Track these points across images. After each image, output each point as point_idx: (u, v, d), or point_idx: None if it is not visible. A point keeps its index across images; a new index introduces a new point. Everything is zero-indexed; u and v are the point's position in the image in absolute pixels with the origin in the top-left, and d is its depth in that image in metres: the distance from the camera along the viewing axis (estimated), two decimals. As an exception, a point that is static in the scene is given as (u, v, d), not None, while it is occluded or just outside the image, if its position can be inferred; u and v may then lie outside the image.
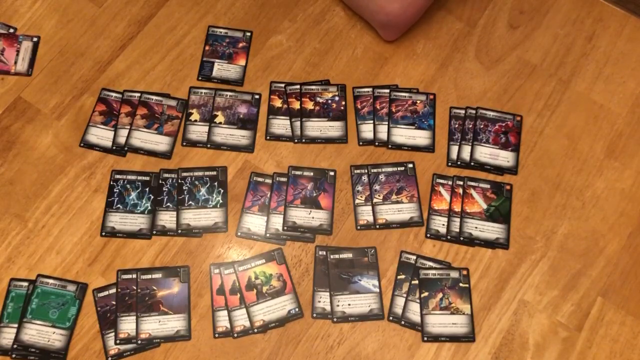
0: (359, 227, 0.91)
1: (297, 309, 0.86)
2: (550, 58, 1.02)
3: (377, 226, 0.91)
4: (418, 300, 0.87)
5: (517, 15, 1.05)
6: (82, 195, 0.93)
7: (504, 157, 0.95)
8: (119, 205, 0.91)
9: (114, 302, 0.86)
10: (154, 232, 0.90)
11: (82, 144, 0.96)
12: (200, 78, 1.01)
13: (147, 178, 0.93)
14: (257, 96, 0.99)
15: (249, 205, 0.92)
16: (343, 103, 0.99)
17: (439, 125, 0.98)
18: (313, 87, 1.00)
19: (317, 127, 0.97)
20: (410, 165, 0.95)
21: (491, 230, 0.91)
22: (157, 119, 0.97)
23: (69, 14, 1.05)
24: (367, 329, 0.86)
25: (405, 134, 0.97)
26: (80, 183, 0.94)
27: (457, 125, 0.97)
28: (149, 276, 0.87)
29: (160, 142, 0.96)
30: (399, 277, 0.88)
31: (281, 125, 0.98)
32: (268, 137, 0.97)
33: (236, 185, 0.94)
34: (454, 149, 0.96)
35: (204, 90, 0.99)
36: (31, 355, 0.83)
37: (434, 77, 1.01)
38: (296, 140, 0.97)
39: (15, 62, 1.01)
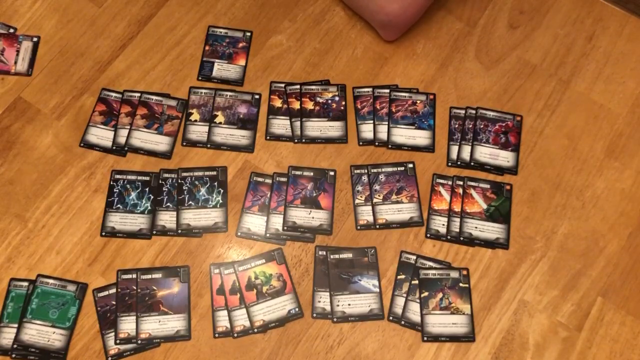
0: (359, 227, 0.91)
1: (297, 309, 0.86)
2: (550, 58, 1.02)
3: (377, 226, 0.91)
4: (418, 300, 0.87)
5: (517, 15, 1.05)
6: (82, 195, 0.93)
7: (504, 157, 0.95)
8: (119, 205, 0.91)
9: (114, 302, 0.86)
10: (154, 232, 0.90)
11: (82, 144, 0.96)
12: (200, 78, 1.01)
13: (147, 178, 0.93)
14: (257, 96, 0.99)
15: (249, 205, 0.92)
16: (343, 103, 0.99)
17: (439, 125, 0.98)
18: (313, 87, 1.00)
19: (317, 127, 0.97)
20: (410, 165, 0.95)
21: (491, 230, 0.91)
22: (157, 119, 0.97)
23: (69, 14, 1.05)
24: (367, 329, 0.86)
25: (405, 134, 0.97)
26: (80, 183, 0.94)
27: (457, 125, 0.97)
28: (149, 276, 0.87)
29: (160, 142, 0.96)
30: (399, 277, 0.88)
31: (281, 125, 0.98)
32: (268, 137, 0.97)
33: (236, 185, 0.94)
34: (454, 149, 0.96)
35: (204, 90, 0.99)
36: (31, 355, 0.83)
37: (434, 77, 1.01)
38: (296, 140, 0.97)
39: (15, 62, 1.01)
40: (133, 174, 0.94)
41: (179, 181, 0.93)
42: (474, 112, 0.98)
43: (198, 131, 0.97)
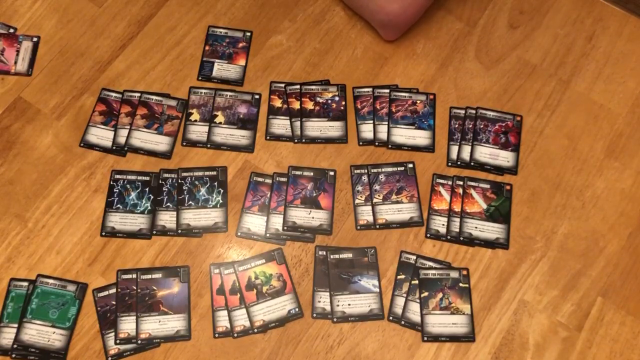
0: (359, 227, 0.91)
1: (297, 309, 0.86)
2: (550, 58, 1.02)
3: (377, 226, 0.91)
4: (418, 300, 0.87)
5: (517, 15, 1.05)
6: (82, 195, 0.93)
7: (504, 157, 0.95)
8: (119, 205, 0.91)
9: (114, 302, 0.86)
10: (154, 232, 0.90)
11: (82, 144, 0.96)
12: (200, 78, 1.01)
13: (147, 178, 0.93)
14: (257, 96, 0.99)
15: (249, 205, 0.92)
16: (343, 103, 0.99)
17: (439, 125, 0.98)
18: (313, 87, 1.00)
19: (317, 127, 0.97)
20: (410, 165, 0.95)
21: (491, 230, 0.91)
22: (157, 119, 0.97)
23: (69, 14, 1.05)
24: (367, 329, 0.86)
25: (405, 134, 0.97)
26: (80, 183, 0.94)
27: (457, 125, 0.97)
28: (149, 276, 0.87)
29: (160, 142, 0.96)
30: (399, 277, 0.88)
31: (281, 125, 0.98)
32: (268, 137, 0.97)
33: (236, 185, 0.94)
34: (454, 149, 0.96)
35: (204, 90, 0.99)
36: (31, 355, 0.83)
37: (434, 77, 1.01)
38: (296, 140, 0.97)
39: (15, 62, 1.01)
40: (133, 174, 0.94)
41: (179, 181, 0.93)
42: (474, 112, 0.98)
43: (198, 131, 0.97)
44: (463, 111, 0.98)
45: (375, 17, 0.98)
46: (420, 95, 0.99)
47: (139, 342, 0.84)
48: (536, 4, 1.06)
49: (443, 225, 0.91)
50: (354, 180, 0.94)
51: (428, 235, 0.91)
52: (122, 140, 0.96)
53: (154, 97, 0.99)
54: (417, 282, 0.88)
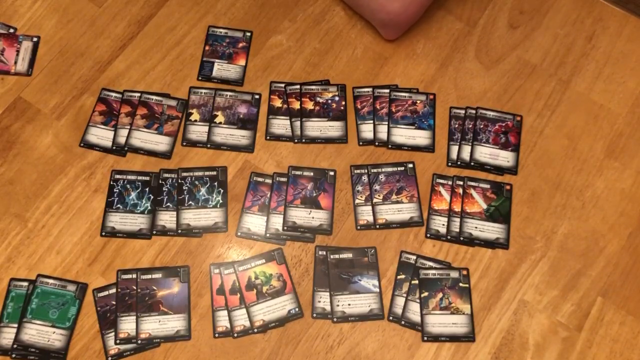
0: (359, 227, 0.91)
1: (297, 309, 0.86)
2: (550, 58, 1.02)
3: (377, 226, 0.91)
4: (418, 300, 0.87)
5: (517, 15, 1.05)
6: (82, 195, 0.93)
7: (504, 157, 0.95)
8: (119, 205, 0.91)
9: (114, 302, 0.86)
10: (154, 232, 0.90)
11: (82, 144, 0.96)
12: (200, 78, 1.01)
13: (147, 178, 0.93)
14: (257, 96, 0.99)
15: (249, 205, 0.92)
16: (343, 103, 0.99)
17: (439, 125, 0.98)
18: (313, 87, 1.00)
19: (317, 127, 0.97)
20: (410, 165, 0.95)
21: (491, 230, 0.91)
22: (157, 119, 0.97)
23: (69, 14, 1.05)
24: (367, 329, 0.86)
25: (405, 134, 0.97)
26: (80, 183, 0.94)
27: (457, 125, 0.97)
28: (149, 276, 0.87)
29: (160, 142, 0.96)
30: (399, 277, 0.88)
31: (281, 125, 0.98)
32: (268, 137, 0.97)
33: (236, 185, 0.94)
34: (454, 149, 0.96)
35: (204, 90, 0.99)
36: (31, 355, 0.83)
37: (434, 77, 1.01)
38: (296, 140, 0.97)
39: (15, 62, 1.01)
40: (133, 174, 0.94)
41: (179, 181, 0.93)
42: (474, 112, 0.98)
43: (198, 131, 0.97)
44: (463, 111, 0.98)
45: (376, 16, 0.98)
46: (420, 95, 0.99)
47: (139, 342, 0.84)
48: (536, 4, 1.06)
49: (443, 225, 0.91)
50: (354, 180, 0.94)
51: (428, 235, 0.91)
52: (122, 140, 0.96)
53: (154, 97, 0.99)
54: (417, 282, 0.88)
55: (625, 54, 1.02)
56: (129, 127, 0.97)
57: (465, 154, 0.95)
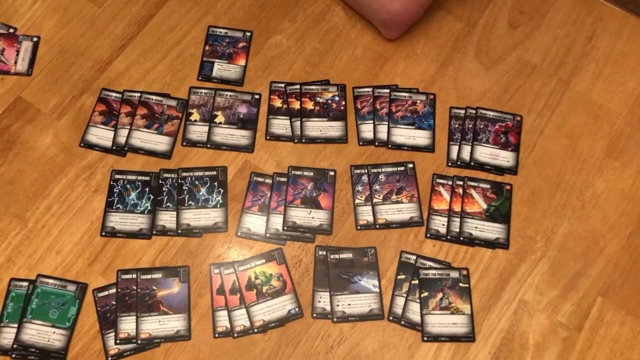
0: (359, 227, 0.91)
1: (297, 309, 0.86)
2: (550, 58, 1.02)
3: (377, 226, 0.91)
4: (418, 300, 0.87)
5: (517, 15, 1.05)
6: (82, 195, 0.93)
7: (504, 157, 0.95)
8: (119, 205, 0.91)
9: (114, 302, 0.86)
10: (154, 232, 0.90)
11: (82, 144, 0.96)
12: (200, 78, 1.01)
13: (147, 178, 0.93)
14: (257, 96, 0.99)
15: (249, 205, 0.92)
16: (343, 103, 0.99)
17: (439, 125, 0.98)
18: (313, 87, 1.00)
19: (317, 127, 0.97)
20: (410, 165, 0.95)
21: (491, 230, 0.91)
22: (157, 119, 0.97)
23: (69, 14, 1.05)
24: (367, 329, 0.86)
25: (405, 134, 0.97)
26: (80, 183, 0.94)
27: (457, 125, 0.97)
28: (149, 276, 0.87)
29: (160, 142, 0.96)
30: (399, 277, 0.88)
31: (281, 125, 0.98)
32: (268, 137, 0.97)
33: (236, 185, 0.94)
34: (454, 149, 0.96)
35: (204, 90, 0.99)
36: (31, 355, 0.83)
37: (434, 77, 1.01)
38: (296, 140, 0.97)
39: (15, 62, 1.01)
40: (133, 174, 0.94)
41: (179, 181, 0.93)
42: (474, 112, 0.98)
43: (198, 131, 0.97)
44: (463, 111, 0.98)
45: (377, 16, 0.98)
46: (420, 95, 0.99)
47: (139, 342, 0.84)
48: (536, 4, 1.06)
49: (443, 225, 0.91)
50: (354, 180, 0.94)
51: (428, 235, 0.91)
52: (122, 140, 0.96)
53: (154, 97, 0.99)
54: (417, 282, 0.88)
55: (625, 54, 1.02)
56: (129, 127, 0.97)
57: (465, 154, 0.95)
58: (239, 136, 0.97)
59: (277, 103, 0.99)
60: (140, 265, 0.89)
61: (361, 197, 0.93)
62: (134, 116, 0.97)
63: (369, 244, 0.90)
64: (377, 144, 0.96)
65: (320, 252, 0.89)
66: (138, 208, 0.91)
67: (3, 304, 0.86)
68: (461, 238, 0.90)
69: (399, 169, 0.94)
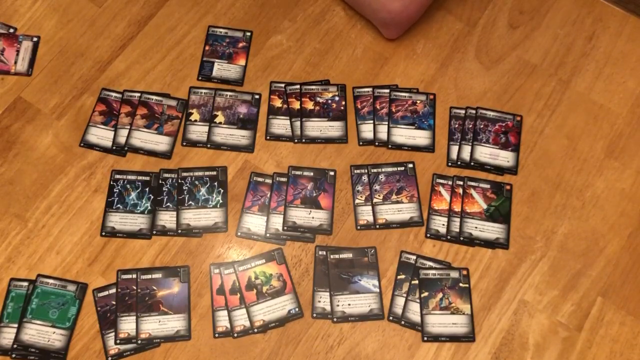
0: (359, 227, 0.91)
1: (297, 309, 0.86)
2: (550, 58, 1.02)
3: (377, 226, 0.91)
4: (418, 300, 0.87)
5: (517, 15, 1.05)
6: (82, 195, 0.93)
7: (504, 157, 0.95)
8: (119, 205, 0.91)
9: (114, 302, 0.86)
10: (154, 232, 0.90)
11: (82, 144, 0.96)
12: (200, 78, 1.01)
13: (147, 178, 0.93)
14: (257, 96, 0.99)
15: (249, 205, 0.92)
16: (343, 103, 0.99)
17: (439, 125, 0.98)
18: (313, 87, 1.00)
19: (317, 127, 0.97)
20: (410, 165, 0.95)
21: (491, 230, 0.91)
22: (157, 119, 0.97)
23: (69, 14, 1.05)
24: (367, 329, 0.86)
25: (405, 134, 0.97)
26: (80, 183, 0.94)
27: (457, 125, 0.97)
28: (149, 276, 0.87)
29: (160, 142, 0.96)
30: (399, 277, 0.88)
31: (281, 125, 0.98)
32: (268, 137, 0.97)
33: (236, 185, 0.94)
34: (454, 149, 0.96)
35: (204, 90, 0.99)
36: (31, 355, 0.83)
37: (434, 77, 1.01)
38: (296, 140, 0.97)
39: (15, 62, 1.01)
40: (133, 174, 0.94)
41: (179, 181, 0.93)
42: (474, 112, 0.98)
43: (198, 131, 0.97)
44: (463, 111, 0.98)
45: (377, 16, 0.98)
46: (420, 95, 0.99)
47: (139, 342, 0.84)
48: (536, 4, 1.06)
49: (443, 225, 0.91)
50: (354, 180, 0.94)
51: (428, 235, 0.91)
52: (122, 140, 0.96)
53: (154, 97, 0.99)
54: (417, 282, 0.88)
55: (625, 54, 1.02)
56: (129, 127, 0.97)
57: (465, 154, 0.95)
58: (239, 136, 0.97)
59: (277, 103, 0.99)
60: (140, 265, 0.89)
61: (361, 197, 0.93)
62: (134, 116, 0.97)
63: (369, 244, 0.90)
64: (377, 144, 0.96)
65: (320, 252, 0.89)
66: (138, 208, 0.91)
67: (3, 304, 0.86)
68: (461, 238, 0.90)
69: (399, 169, 0.94)
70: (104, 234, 0.90)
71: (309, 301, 0.87)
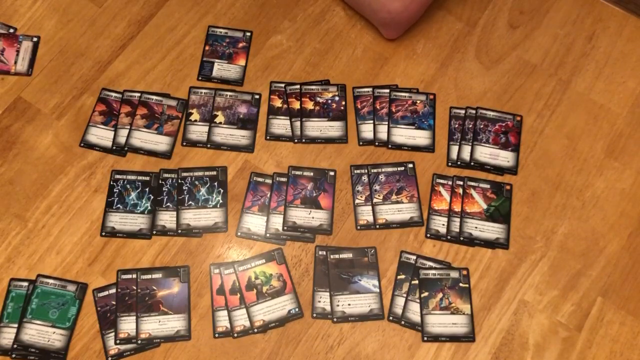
0: (359, 227, 0.91)
1: (297, 309, 0.86)
2: (550, 58, 1.02)
3: (377, 226, 0.91)
4: (418, 300, 0.87)
5: (517, 15, 1.05)
6: (82, 195, 0.93)
7: (504, 157, 0.95)
8: (119, 205, 0.91)
9: (114, 302, 0.86)
10: (154, 232, 0.90)
11: (82, 144, 0.96)
12: (200, 78, 1.01)
13: (147, 178, 0.93)
14: (257, 96, 0.99)
15: (249, 205, 0.92)
16: (343, 103, 0.99)
17: (439, 125, 0.98)
18: (313, 87, 1.00)
19: (317, 127, 0.97)
20: (410, 165, 0.95)
21: (491, 230, 0.91)
22: (157, 119, 0.97)
23: (69, 14, 1.05)
24: (367, 329, 0.86)
25: (405, 134, 0.97)
26: (80, 183, 0.94)
27: (457, 125, 0.97)
28: (149, 276, 0.87)
29: (160, 142, 0.96)
30: (399, 277, 0.88)
31: (281, 125, 0.98)
32: (268, 137, 0.97)
33: (236, 185, 0.94)
34: (454, 149, 0.96)
35: (204, 90, 0.99)
36: (31, 355, 0.83)
37: (434, 77, 1.01)
38: (296, 140, 0.97)
39: (15, 62, 1.01)
40: (133, 174, 0.94)
41: (179, 181, 0.93)
42: (474, 112, 0.98)
43: (198, 131, 0.97)
44: (463, 111, 0.98)
45: (377, 16, 0.98)
46: (420, 95, 0.99)
47: (139, 342, 0.84)
48: (536, 4, 1.06)
49: (443, 225, 0.91)
50: (354, 180, 0.94)
51: (428, 235, 0.91)
52: (122, 140, 0.96)
53: (154, 97, 0.99)
54: (417, 282, 0.88)
55: (625, 54, 1.02)
56: (129, 127, 0.97)
57: (465, 154, 0.95)
58: (239, 136, 0.97)
59: (277, 103, 0.99)
60: (140, 265, 0.89)
61: (361, 197, 0.93)
62: (134, 116, 0.97)
63: (369, 244, 0.90)
64: (377, 144, 0.96)
65: (320, 252, 0.89)
66: (138, 208, 0.91)
67: (3, 304, 0.86)
68: (461, 238, 0.90)
69: (399, 169, 0.94)
70: (104, 234, 0.90)
71: (309, 301, 0.87)
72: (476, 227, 0.91)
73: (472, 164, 0.95)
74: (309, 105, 0.98)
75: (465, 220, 0.91)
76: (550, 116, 0.98)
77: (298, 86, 1.00)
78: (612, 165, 0.95)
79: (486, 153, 0.95)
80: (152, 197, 0.92)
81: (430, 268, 0.88)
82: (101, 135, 0.96)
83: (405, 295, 0.87)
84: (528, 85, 1.00)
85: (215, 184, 0.93)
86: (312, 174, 0.94)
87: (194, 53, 1.02)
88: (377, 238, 0.91)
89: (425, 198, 0.93)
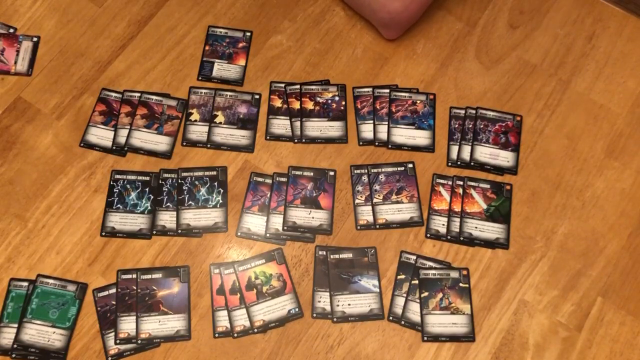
0: (359, 227, 0.91)
1: (297, 309, 0.86)
2: (550, 58, 1.02)
3: (377, 226, 0.91)
4: (418, 300, 0.87)
5: (517, 15, 1.05)
6: (82, 195, 0.93)
7: (504, 157, 0.95)
8: (119, 205, 0.91)
9: (114, 302, 0.86)
10: (154, 232, 0.90)
11: (82, 144, 0.96)
12: (200, 78, 1.01)
13: (147, 178, 0.93)
14: (257, 96, 0.99)
15: (249, 205, 0.92)
16: (343, 103, 0.99)
17: (439, 125, 0.98)
18: (313, 87, 1.00)
19: (317, 127, 0.97)
20: (410, 165, 0.95)
21: (491, 230, 0.91)
22: (157, 119, 0.97)
23: (69, 14, 1.05)
24: (367, 329, 0.86)
25: (405, 134, 0.97)
26: (80, 183, 0.94)
27: (457, 125, 0.97)
28: (149, 276, 0.87)
29: (160, 142, 0.96)
30: (399, 277, 0.88)
31: (281, 125, 0.98)
32: (268, 137, 0.97)
33: (236, 185, 0.94)
34: (454, 149, 0.96)
35: (204, 90, 0.99)
36: (31, 355, 0.83)
37: (434, 77, 1.01)
38: (296, 140, 0.97)
39: (15, 62, 1.01)
40: (133, 174, 0.94)
41: (179, 181, 0.93)
42: (474, 112, 0.98)
43: (198, 131, 0.97)
44: (463, 111, 0.98)
45: (377, 16, 0.98)
46: (420, 95, 0.99)
47: (139, 342, 0.84)
48: (536, 4, 1.06)
49: (443, 225, 0.91)
50: (354, 180, 0.94)
51: (428, 235, 0.91)
52: (122, 140, 0.96)
53: (154, 97, 0.99)
54: (417, 282, 0.88)
55: (625, 54, 1.02)
56: (129, 127, 0.97)
57: (465, 154, 0.95)
58: (239, 136, 0.97)
59: (277, 103, 0.99)
60: (140, 265, 0.89)
61: (361, 197, 0.93)
62: (134, 116, 0.97)
63: (369, 244, 0.90)
64: (377, 144, 0.96)
65: (320, 252, 0.89)
66: (138, 208, 0.91)
67: (3, 304, 0.86)
68: (461, 238, 0.90)
69: (399, 169, 0.94)
70: (104, 234, 0.90)
71: (309, 301, 0.87)
72: (476, 227, 0.91)
73: (472, 164, 0.95)
74: (309, 105, 0.98)
75: (465, 220, 0.91)
76: (550, 116, 0.98)
77: (298, 86, 1.00)
78: (612, 165, 0.95)
79: (486, 153, 0.95)
80: (152, 197, 0.92)
81: (430, 268, 0.88)
82: (101, 135, 0.96)
83: (405, 295, 0.87)
84: (528, 85, 1.00)
85: (215, 184, 0.93)
86: (312, 174, 0.94)
87: (194, 53, 1.02)
88: (377, 238, 0.91)
89: (425, 198, 0.93)
